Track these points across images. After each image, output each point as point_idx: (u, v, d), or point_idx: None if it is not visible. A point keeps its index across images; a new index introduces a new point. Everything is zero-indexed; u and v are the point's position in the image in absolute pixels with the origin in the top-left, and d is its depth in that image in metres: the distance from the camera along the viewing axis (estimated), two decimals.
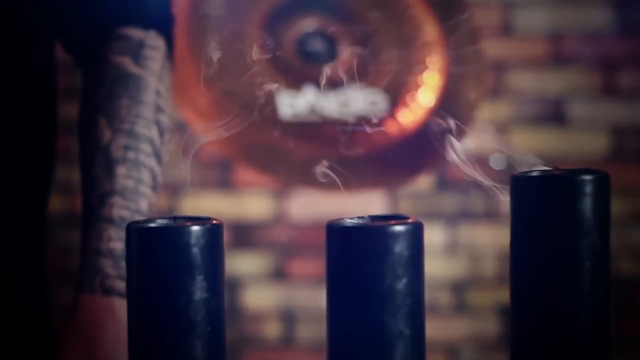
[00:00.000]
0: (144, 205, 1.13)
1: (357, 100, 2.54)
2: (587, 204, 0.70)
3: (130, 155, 1.14)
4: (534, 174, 0.72)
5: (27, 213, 1.21)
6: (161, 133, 1.17)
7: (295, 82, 2.55)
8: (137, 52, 1.19)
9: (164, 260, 0.70)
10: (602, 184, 0.71)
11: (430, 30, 2.58)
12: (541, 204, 0.71)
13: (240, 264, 2.69)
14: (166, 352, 0.70)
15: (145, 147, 1.15)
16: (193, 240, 0.71)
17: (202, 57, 2.47)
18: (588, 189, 0.70)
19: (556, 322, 0.70)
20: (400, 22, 2.57)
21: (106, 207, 1.11)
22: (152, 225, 0.72)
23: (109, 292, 1.09)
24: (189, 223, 0.72)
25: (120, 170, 1.13)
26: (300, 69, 2.57)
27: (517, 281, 0.72)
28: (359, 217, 0.71)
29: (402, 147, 2.53)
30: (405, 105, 2.56)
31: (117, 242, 1.10)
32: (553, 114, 2.64)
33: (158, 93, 1.18)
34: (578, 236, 0.70)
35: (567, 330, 0.70)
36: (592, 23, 2.62)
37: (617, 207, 2.30)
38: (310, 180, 2.60)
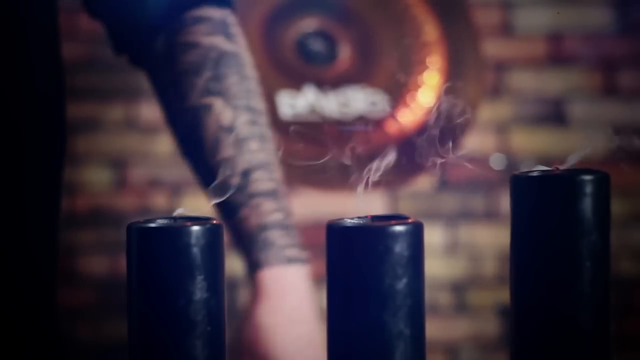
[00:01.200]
0: (279, 175, 1.12)
1: (357, 100, 2.54)
2: (587, 204, 0.70)
3: (256, 129, 1.13)
4: (534, 174, 0.72)
5: (32, 216, 1.20)
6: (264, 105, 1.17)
7: (295, 82, 2.55)
8: (225, 29, 1.17)
9: (164, 260, 0.70)
10: (602, 184, 0.71)
11: (430, 30, 2.58)
12: (541, 204, 0.71)
13: (241, 264, 2.68)
14: (166, 352, 0.70)
15: (263, 120, 1.14)
16: (193, 240, 0.71)
17: None
18: (588, 189, 0.70)
19: (556, 322, 0.70)
20: (400, 22, 2.57)
21: (253, 183, 1.10)
22: (152, 225, 0.72)
23: (290, 260, 1.10)
24: (189, 223, 0.72)
25: (252, 146, 1.12)
26: (300, 69, 2.57)
27: (517, 281, 0.72)
28: (359, 217, 0.71)
29: (402, 147, 2.53)
30: (405, 105, 2.56)
31: (278, 213, 1.10)
32: (553, 114, 2.63)
33: (254, 67, 1.17)
34: (578, 236, 0.70)
35: (567, 330, 0.70)
36: (592, 23, 2.62)
37: (617, 207, 2.30)
38: (310, 180, 2.60)
